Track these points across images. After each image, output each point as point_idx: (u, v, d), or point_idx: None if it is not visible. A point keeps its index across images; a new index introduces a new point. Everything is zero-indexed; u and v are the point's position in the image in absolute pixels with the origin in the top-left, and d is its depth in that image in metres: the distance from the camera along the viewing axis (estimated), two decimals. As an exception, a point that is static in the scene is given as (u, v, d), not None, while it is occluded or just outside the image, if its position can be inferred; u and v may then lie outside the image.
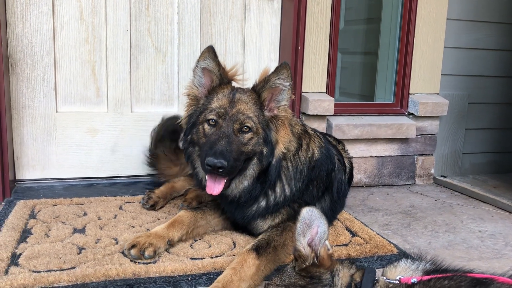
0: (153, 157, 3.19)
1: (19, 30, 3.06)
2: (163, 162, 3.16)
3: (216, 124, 2.16)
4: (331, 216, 2.63)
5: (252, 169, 2.20)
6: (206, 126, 2.19)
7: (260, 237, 2.21)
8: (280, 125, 2.21)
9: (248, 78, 2.45)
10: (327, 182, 2.50)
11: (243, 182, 2.23)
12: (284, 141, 2.23)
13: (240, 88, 2.29)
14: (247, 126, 2.14)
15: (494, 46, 3.93)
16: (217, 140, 2.08)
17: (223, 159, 2.01)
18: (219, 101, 2.20)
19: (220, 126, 2.14)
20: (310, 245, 1.53)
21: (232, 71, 2.32)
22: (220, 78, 2.27)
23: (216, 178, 2.12)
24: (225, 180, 2.13)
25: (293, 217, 2.23)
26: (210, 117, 2.17)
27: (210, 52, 2.25)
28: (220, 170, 2.03)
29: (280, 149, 2.22)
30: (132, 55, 3.32)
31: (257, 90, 2.19)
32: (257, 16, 3.50)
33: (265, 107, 2.21)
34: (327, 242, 1.54)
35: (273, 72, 2.15)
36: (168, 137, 3.15)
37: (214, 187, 2.12)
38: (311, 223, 1.53)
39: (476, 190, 3.53)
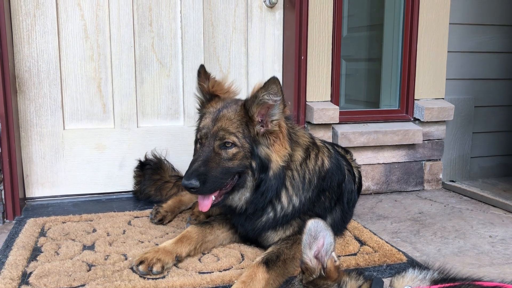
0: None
1: (26, 51, 3.11)
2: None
3: (201, 144, 2.23)
4: (341, 227, 2.62)
5: (250, 181, 2.21)
6: (198, 145, 2.29)
7: (269, 250, 2.21)
8: (273, 139, 2.20)
9: (236, 89, 2.50)
10: (338, 193, 2.50)
11: (245, 194, 2.24)
12: (281, 154, 2.21)
13: (231, 102, 2.30)
14: (229, 142, 2.16)
15: (498, 48, 3.92)
16: (195, 161, 2.16)
17: (194, 180, 2.07)
18: (205, 120, 2.27)
19: (203, 145, 2.21)
20: (316, 257, 1.52)
21: (219, 86, 2.41)
22: (206, 97, 2.39)
23: (208, 195, 2.17)
24: (212, 197, 2.17)
25: None
26: (198, 137, 2.28)
27: (199, 72, 2.42)
28: (193, 190, 2.11)
29: (277, 162, 2.20)
30: (137, 70, 3.35)
31: (246, 106, 2.19)
32: (260, 28, 3.53)
33: (256, 122, 2.19)
34: (333, 253, 1.53)
35: (261, 88, 2.14)
36: None
37: (203, 204, 2.18)
38: (317, 235, 1.53)
39: (486, 194, 3.50)
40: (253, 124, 2.18)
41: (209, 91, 2.39)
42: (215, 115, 2.24)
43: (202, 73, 2.42)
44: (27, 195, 3.24)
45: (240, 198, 2.26)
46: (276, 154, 2.20)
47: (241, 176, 2.20)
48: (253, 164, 2.18)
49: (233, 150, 2.16)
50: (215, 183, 2.13)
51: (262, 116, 2.19)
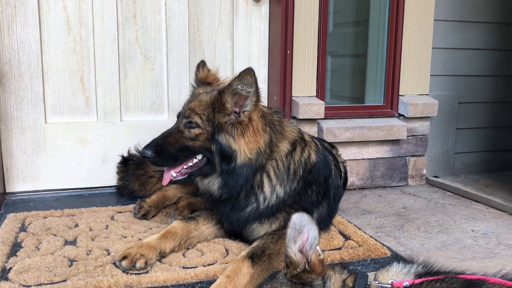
0: None
1: (6, 42, 3.04)
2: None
3: None
4: (328, 222, 2.62)
5: (218, 166, 2.22)
6: None
7: (255, 244, 2.19)
8: (242, 130, 2.19)
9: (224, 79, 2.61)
10: (324, 187, 2.49)
11: (218, 178, 2.26)
12: (251, 147, 2.19)
13: (214, 90, 2.34)
14: (192, 121, 2.23)
15: (482, 45, 3.96)
16: (160, 135, 2.29)
17: (148, 150, 2.22)
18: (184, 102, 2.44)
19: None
20: (301, 251, 1.52)
21: (213, 76, 2.60)
22: (197, 83, 2.56)
23: (167, 170, 2.28)
24: (171, 172, 2.26)
25: None
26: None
27: (198, 65, 2.62)
28: (146, 159, 2.25)
29: (244, 153, 2.19)
30: (120, 63, 3.30)
31: (220, 93, 2.21)
32: (245, 22, 3.51)
33: (230, 111, 2.19)
34: (318, 247, 1.52)
35: (236, 77, 2.14)
36: None
37: (164, 178, 2.28)
38: (302, 229, 1.52)
39: (468, 189, 3.54)
40: (224, 112, 2.19)
41: (202, 79, 2.49)
42: (192, 98, 2.33)
43: (201, 66, 2.57)
44: (7, 190, 3.17)
45: (213, 182, 2.27)
46: (245, 146, 2.19)
47: (209, 160, 2.23)
48: (213, 148, 2.21)
49: (196, 130, 2.22)
50: (171, 157, 2.22)
51: (239, 107, 2.19)
